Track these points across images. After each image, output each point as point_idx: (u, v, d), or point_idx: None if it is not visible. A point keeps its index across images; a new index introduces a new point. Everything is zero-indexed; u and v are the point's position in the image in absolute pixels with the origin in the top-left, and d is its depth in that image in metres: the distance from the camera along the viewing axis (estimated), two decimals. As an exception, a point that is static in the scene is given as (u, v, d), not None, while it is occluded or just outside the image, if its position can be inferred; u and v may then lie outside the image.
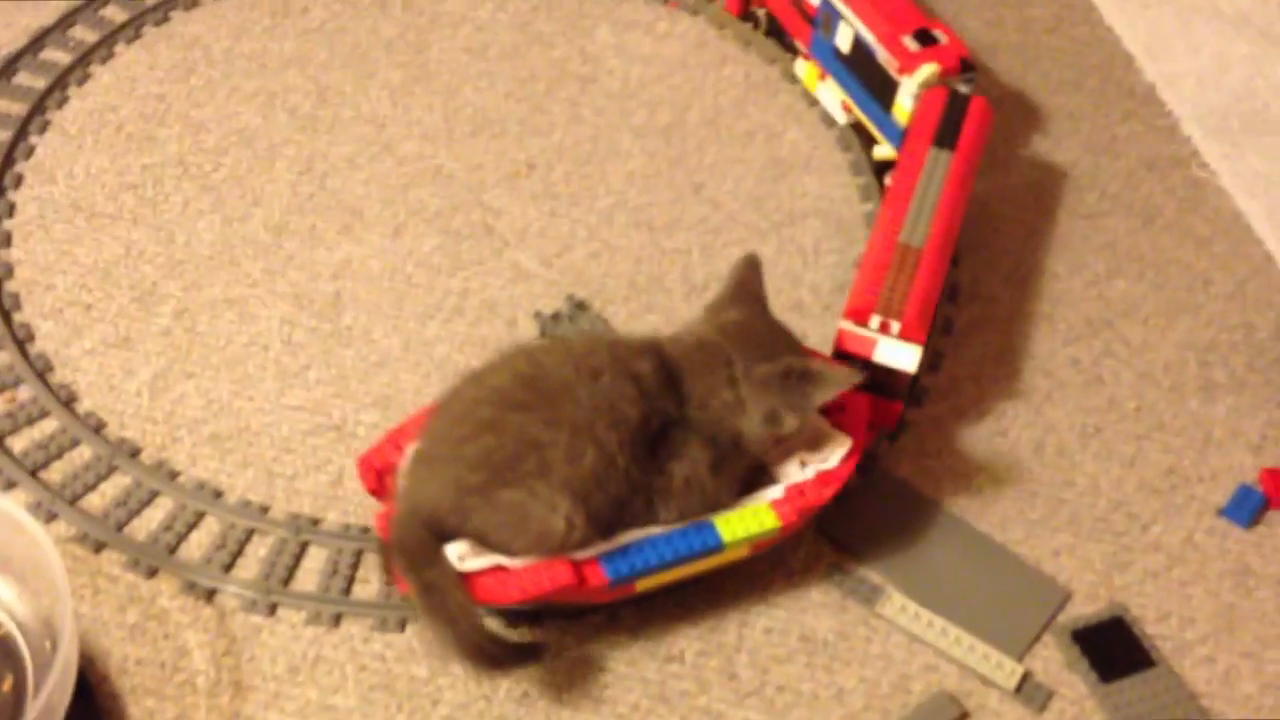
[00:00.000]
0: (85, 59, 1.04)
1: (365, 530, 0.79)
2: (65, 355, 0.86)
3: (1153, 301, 0.98)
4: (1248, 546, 0.83)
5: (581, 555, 0.70)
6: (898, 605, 0.78)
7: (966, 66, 0.98)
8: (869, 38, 0.99)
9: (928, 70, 0.96)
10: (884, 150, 1.02)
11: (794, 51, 1.11)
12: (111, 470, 0.79)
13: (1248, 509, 0.84)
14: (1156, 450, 0.88)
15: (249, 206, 0.97)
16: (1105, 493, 0.86)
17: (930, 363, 0.92)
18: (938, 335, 0.93)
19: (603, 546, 0.70)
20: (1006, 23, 1.21)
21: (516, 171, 1.03)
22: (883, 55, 0.98)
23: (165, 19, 1.09)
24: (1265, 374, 0.93)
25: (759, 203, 1.02)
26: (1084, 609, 0.79)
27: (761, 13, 1.14)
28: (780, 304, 0.94)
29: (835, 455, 0.76)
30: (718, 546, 0.72)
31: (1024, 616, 0.78)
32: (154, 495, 0.79)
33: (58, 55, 1.04)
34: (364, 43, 1.11)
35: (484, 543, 0.69)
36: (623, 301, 0.94)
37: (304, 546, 0.77)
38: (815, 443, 0.77)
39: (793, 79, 1.11)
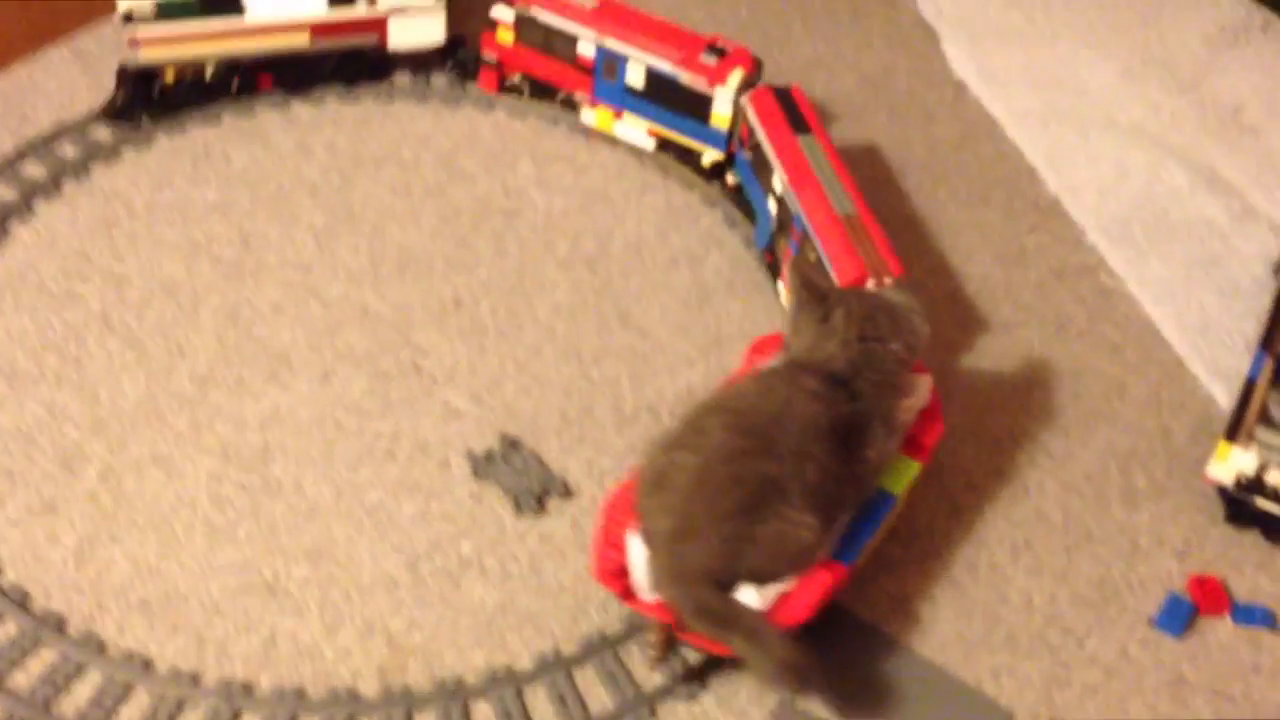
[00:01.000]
0: (3, 218, 1.04)
1: (299, 693, 0.77)
2: (-14, 526, 0.84)
3: (1071, 411, 1.01)
4: (1181, 656, 0.85)
5: (822, 558, 0.79)
6: (844, 738, 0.78)
7: (758, 64, 1.13)
8: (665, 67, 1.11)
9: (739, 75, 1.10)
10: (711, 155, 1.14)
11: (571, 107, 1.19)
12: (37, 645, 0.77)
13: (1179, 618, 0.85)
14: (1086, 561, 0.90)
15: (174, 359, 0.96)
16: (1039, 608, 0.87)
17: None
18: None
19: (827, 545, 0.79)
20: (914, 142, 1.25)
21: (444, 309, 1.03)
22: (687, 77, 1.10)
23: (85, 173, 1.09)
24: (1184, 479, 0.96)
25: (685, 328, 1.04)
26: (1026, 730, 0.80)
27: (520, 78, 1.20)
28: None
29: (923, 391, 0.87)
30: (893, 502, 0.84)
31: (968, 742, 0.78)
32: (81, 668, 0.76)
33: (-25, 214, 1.04)
34: (287, 186, 1.12)
35: (757, 579, 0.76)
36: (555, 435, 0.95)
37: (236, 715, 0.75)
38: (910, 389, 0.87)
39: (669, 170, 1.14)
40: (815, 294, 0.84)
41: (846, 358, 0.82)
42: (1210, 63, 1.37)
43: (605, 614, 0.84)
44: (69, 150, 1.11)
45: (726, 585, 0.76)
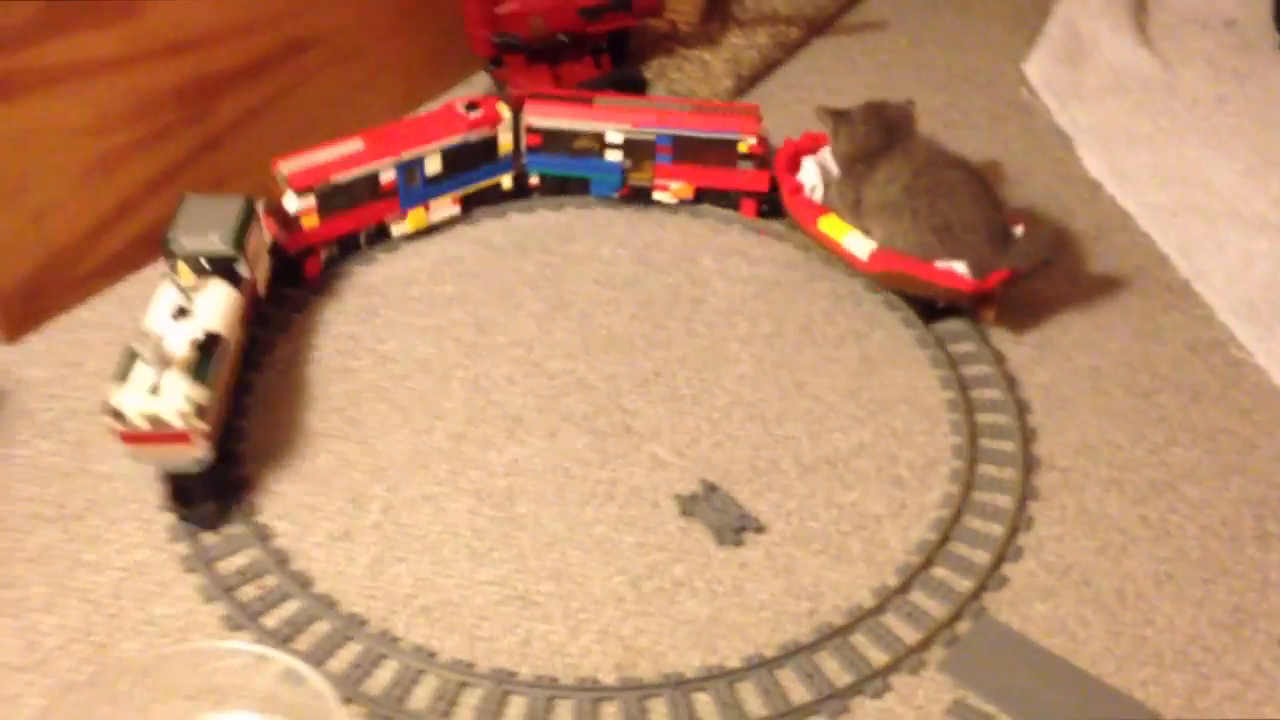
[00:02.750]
0: (288, 311, 1.27)
1: (553, 680, 0.94)
2: (298, 549, 1.04)
3: (1207, 465, 1.13)
4: (1312, 670, 0.96)
5: None
6: (1010, 730, 0.91)
7: (516, 99, 1.40)
8: (455, 141, 1.32)
9: (506, 109, 1.34)
10: (506, 182, 1.40)
11: (384, 234, 1.34)
12: (345, 639, 0.96)
13: (1309, 637, 0.97)
14: (1222, 591, 1.02)
15: (432, 420, 1.16)
16: (1181, 629, 0.99)
17: (1025, 524, 1.07)
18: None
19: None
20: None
21: (646, 379, 1.22)
22: (475, 135, 1.33)
23: (350, 273, 1.32)
24: (1313, 522, 1.07)
25: (854, 395, 1.20)
26: (1173, 728, 0.92)
27: (330, 251, 1.30)
28: (882, 478, 1.11)
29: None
30: None
31: (1121, 736, 0.91)
32: (381, 658, 0.95)
33: (264, 308, 1.27)
34: (509, 281, 1.33)
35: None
36: (746, 482, 1.11)
37: (505, 695, 0.93)
38: None
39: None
40: (835, 113, 1.33)
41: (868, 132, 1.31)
42: (1329, 158, 1.49)
43: (799, 626, 0.99)
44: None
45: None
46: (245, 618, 0.97)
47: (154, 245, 1.32)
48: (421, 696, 0.93)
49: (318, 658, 0.95)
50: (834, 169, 1.36)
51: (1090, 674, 0.95)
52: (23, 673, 0.94)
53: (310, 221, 1.27)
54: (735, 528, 1.07)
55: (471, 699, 0.93)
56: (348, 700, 0.92)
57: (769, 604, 1.01)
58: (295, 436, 1.14)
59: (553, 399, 1.19)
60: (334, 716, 0.81)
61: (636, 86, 1.48)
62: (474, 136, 1.32)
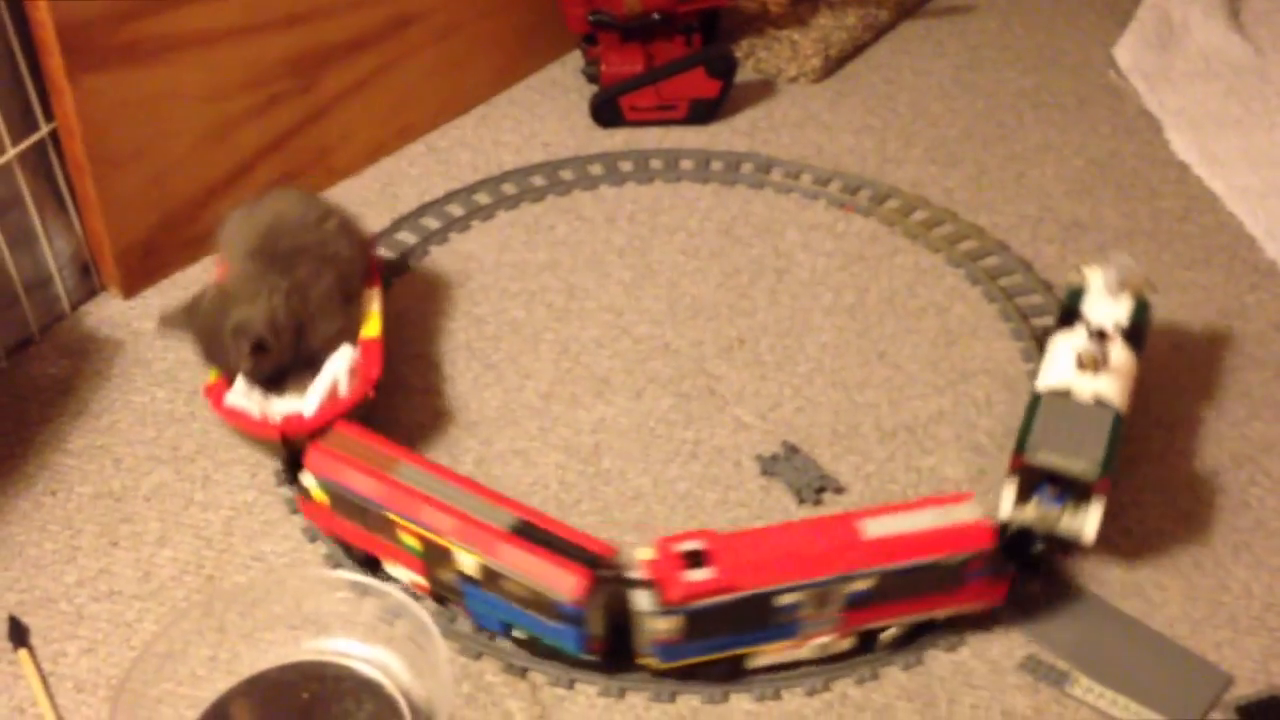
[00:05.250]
0: (387, 275, 1.32)
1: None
2: (395, 493, 1.09)
3: (1290, 439, 1.14)
4: (1391, 639, 0.96)
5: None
6: (1085, 686, 0.93)
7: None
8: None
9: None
10: None
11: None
12: (439, 578, 1.01)
13: (1389, 608, 0.97)
14: (1302, 561, 1.02)
15: (523, 379, 1.21)
16: (1258, 596, 1.00)
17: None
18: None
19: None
20: (1140, 215, 1.41)
21: (731, 346, 1.25)
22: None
23: (445, 239, 1.38)
24: (1397, 497, 1.07)
25: (934, 365, 1.22)
26: (1245, 689, 0.93)
27: None
28: (960, 445, 1.13)
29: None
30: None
31: (1195, 695, 0.92)
32: (473, 597, 1.00)
33: (368, 268, 1.33)
34: (599, 250, 1.37)
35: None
36: (826, 445, 1.14)
37: (592, 636, 0.97)
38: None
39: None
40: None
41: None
42: None
43: (877, 582, 1.02)
44: (432, 222, 1.39)
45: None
46: (346, 556, 1.02)
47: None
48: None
49: (416, 595, 1.00)
50: None
51: (1164, 635, 0.97)
52: (139, 600, 1.01)
53: None
54: (815, 488, 1.10)
55: (559, 637, 0.97)
56: (444, 635, 0.97)
57: (847, 560, 1.03)
58: (393, 393, 1.19)
59: (639, 362, 1.23)
60: (435, 647, 0.85)
61: (726, 64, 1.51)
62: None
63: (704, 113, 1.53)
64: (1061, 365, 1.02)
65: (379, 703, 0.88)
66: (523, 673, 0.95)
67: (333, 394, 1.07)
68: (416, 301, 1.30)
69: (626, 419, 1.17)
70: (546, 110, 1.57)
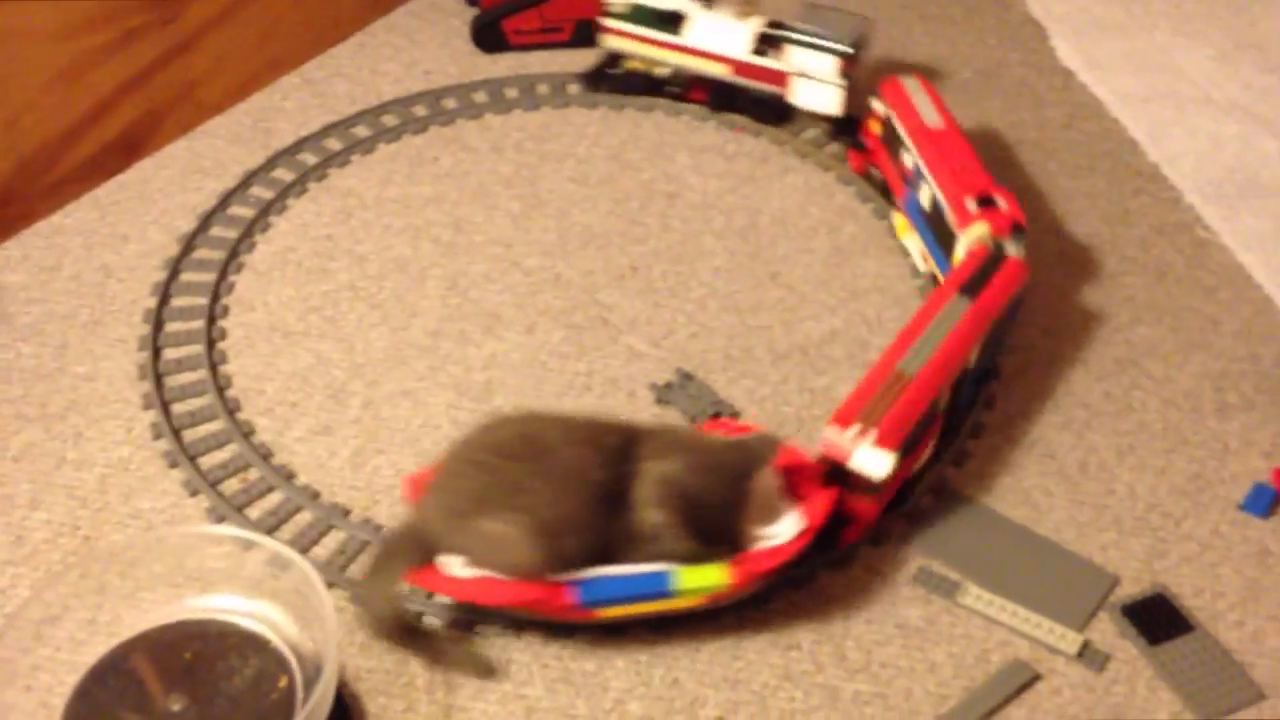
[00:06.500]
0: (265, 212, 1.28)
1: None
2: (281, 443, 1.06)
3: (1170, 342, 1.16)
4: (1265, 533, 0.99)
5: (555, 579, 0.85)
6: (974, 595, 0.94)
7: (1018, 230, 1.09)
8: (940, 197, 1.14)
9: (979, 229, 1.08)
10: None
11: (894, 204, 1.26)
12: (329, 528, 0.99)
13: (1264, 502, 1.00)
14: (1182, 461, 1.05)
15: (409, 318, 1.18)
16: (1142, 497, 1.02)
17: (986, 403, 1.09)
18: (990, 381, 1.11)
19: (576, 575, 0.85)
20: (1026, 123, 1.41)
21: (623, 274, 1.23)
22: (949, 213, 1.12)
23: (324, 175, 1.33)
24: (1271, 395, 1.10)
25: (826, 284, 1.22)
26: (1130, 590, 0.95)
27: (875, 173, 1.30)
28: (853, 364, 1.13)
29: (787, 531, 0.88)
30: (669, 592, 0.85)
31: (1081, 598, 0.94)
32: (364, 544, 0.98)
33: (243, 210, 1.28)
34: (486, 181, 1.33)
35: (467, 559, 0.85)
36: (720, 370, 1.13)
37: (487, 576, 0.95)
38: (768, 516, 0.90)
39: (849, 182, 1.32)
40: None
41: (650, 432, 0.90)
42: (1300, 41, 1.50)
43: (771, 504, 1.02)
44: (309, 158, 1.34)
45: (440, 549, 0.86)
46: (229, 509, 1.00)
47: (128, 150, 1.32)
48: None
49: (302, 545, 0.97)
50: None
51: (1051, 540, 0.98)
52: (12, 565, 0.97)
53: (876, 128, 1.24)
54: (710, 414, 1.09)
55: (453, 578, 0.96)
56: (331, 585, 0.95)
57: (742, 484, 1.03)
58: (272, 335, 1.15)
59: (530, 295, 1.20)
60: (320, 599, 0.84)
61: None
62: (947, 212, 1.11)
63: (590, 34, 1.49)
64: None
65: (264, 657, 0.86)
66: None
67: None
68: (297, 241, 1.25)
69: (518, 354, 1.15)
70: (426, 37, 1.51)
